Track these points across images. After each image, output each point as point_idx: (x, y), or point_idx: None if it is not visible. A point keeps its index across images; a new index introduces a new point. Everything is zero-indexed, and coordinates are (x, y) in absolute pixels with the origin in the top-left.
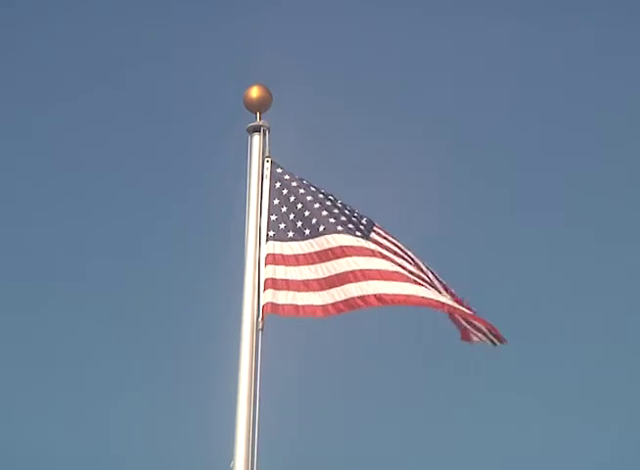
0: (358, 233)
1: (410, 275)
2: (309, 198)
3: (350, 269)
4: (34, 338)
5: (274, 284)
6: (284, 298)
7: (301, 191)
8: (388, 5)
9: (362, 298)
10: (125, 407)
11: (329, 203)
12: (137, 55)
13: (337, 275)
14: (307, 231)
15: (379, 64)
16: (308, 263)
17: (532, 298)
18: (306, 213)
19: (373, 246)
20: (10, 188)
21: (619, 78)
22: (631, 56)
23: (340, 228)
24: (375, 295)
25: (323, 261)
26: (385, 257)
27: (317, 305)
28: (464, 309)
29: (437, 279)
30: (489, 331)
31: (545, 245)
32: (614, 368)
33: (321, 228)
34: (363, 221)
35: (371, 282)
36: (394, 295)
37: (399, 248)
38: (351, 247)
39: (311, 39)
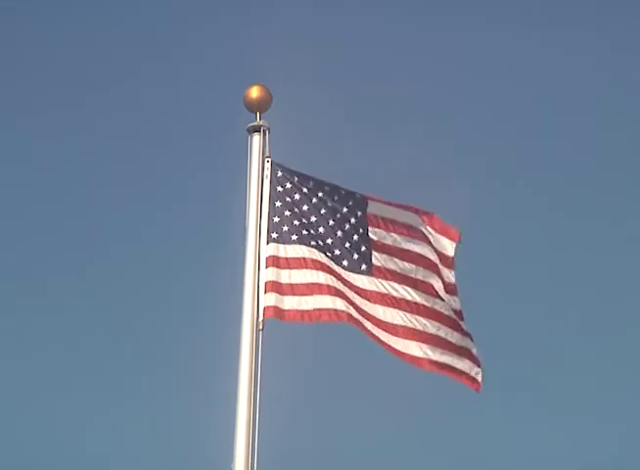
0: (364, 267)
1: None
2: (321, 211)
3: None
4: (35, 337)
5: (278, 288)
6: (289, 303)
7: (306, 206)
8: (390, 5)
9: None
10: (125, 407)
11: (341, 223)
12: (136, 55)
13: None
14: (313, 242)
15: (379, 63)
16: (316, 269)
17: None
18: (312, 231)
19: (377, 282)
20: (8, 187)
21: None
22: None
23: (343, 259)
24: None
25: (327, 272)
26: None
27: (324, 309)
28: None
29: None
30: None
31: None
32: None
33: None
34: (362, 249)
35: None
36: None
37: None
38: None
39: (311, 39)
